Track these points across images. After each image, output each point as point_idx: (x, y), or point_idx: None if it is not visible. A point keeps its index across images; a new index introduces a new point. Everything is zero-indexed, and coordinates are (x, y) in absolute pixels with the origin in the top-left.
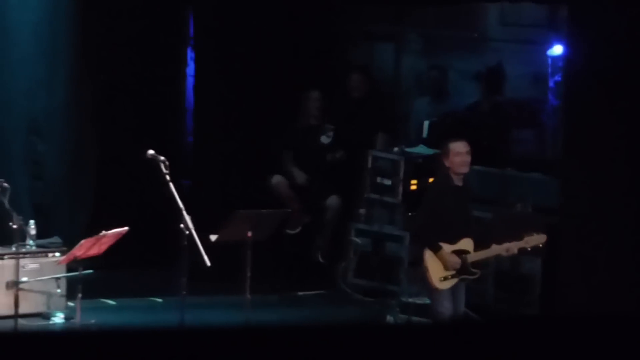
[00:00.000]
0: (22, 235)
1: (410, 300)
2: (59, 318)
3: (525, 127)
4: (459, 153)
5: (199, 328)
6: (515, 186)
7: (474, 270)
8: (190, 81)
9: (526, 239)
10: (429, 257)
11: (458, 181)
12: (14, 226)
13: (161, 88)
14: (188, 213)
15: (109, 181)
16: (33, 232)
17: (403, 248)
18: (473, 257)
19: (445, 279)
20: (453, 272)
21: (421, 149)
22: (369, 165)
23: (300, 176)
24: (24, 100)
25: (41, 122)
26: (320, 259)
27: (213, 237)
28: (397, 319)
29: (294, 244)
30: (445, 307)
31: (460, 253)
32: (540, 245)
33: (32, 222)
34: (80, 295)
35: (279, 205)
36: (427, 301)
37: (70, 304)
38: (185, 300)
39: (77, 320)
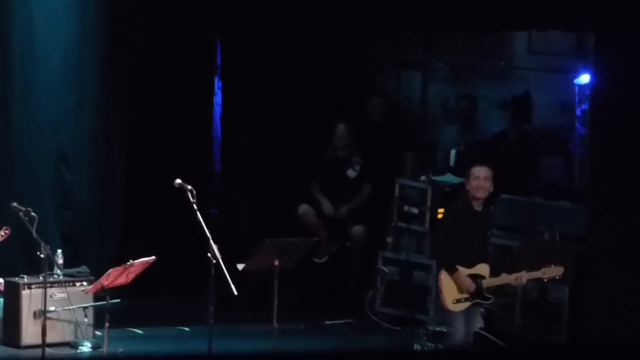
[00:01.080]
0: (50, 264)
1: (437, 328)
2: (86, 347)
3: (552, 156)
4: (477, 177)
5: (227, 357)
6: (543, 214)
7: (487, 295)
8: (217, 110)
9: (544, 269)
10: (444, 278)
11: (477, 206)
12: (42, 255)
13: (189, 117)
14: (215, 242)
15: (137, 210)
16: (60, 261)
17: (430, 276)
18: (488, 282)
19: (459, 301)
20: (467, 296)
21: (448, 178)
22: (396, 193)
23: (327, 206)
24: (52, 130)
25: (69, 151)
26: (350, 287)
27: (240, 266)
28: (425, 348)
29: (321, 272)
30: (457, 329)
31: (475, 277)
32: (557, 277)
33: (59, 251)
34: (107, 324)
35: (306, 234)
36: None
37: (98, 333)
38: (213, 329)
39: (105, 349)
